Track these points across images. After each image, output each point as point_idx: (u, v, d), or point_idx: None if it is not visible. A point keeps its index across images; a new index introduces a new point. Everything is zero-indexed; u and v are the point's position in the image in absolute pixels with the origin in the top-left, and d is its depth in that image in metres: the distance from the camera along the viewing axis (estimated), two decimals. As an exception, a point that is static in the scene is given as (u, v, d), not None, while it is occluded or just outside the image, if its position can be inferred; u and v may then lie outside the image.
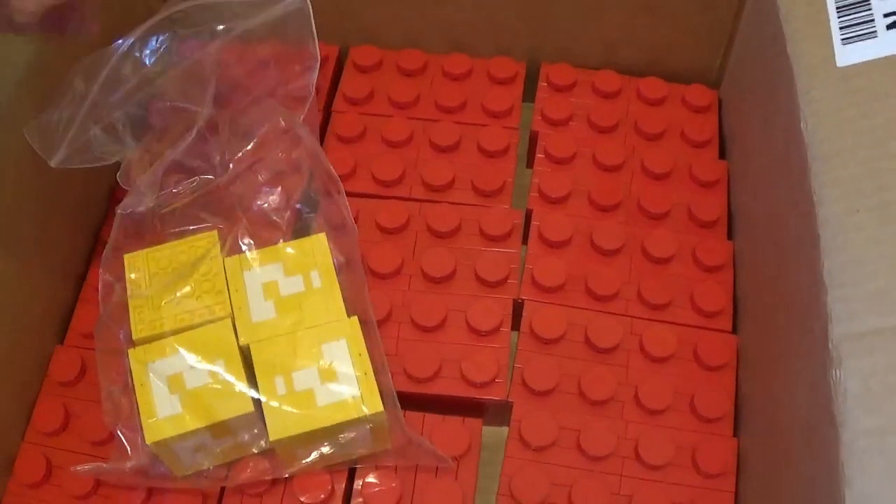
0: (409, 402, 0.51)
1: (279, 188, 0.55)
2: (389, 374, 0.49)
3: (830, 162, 0.44)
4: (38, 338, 0.56)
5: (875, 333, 0.39)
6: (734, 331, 0.56)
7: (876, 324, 0.40)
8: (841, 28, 0.48)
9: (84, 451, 0.52)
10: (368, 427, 0.47)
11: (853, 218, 0.43)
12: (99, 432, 0.52)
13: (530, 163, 0.65)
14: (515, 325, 0.56)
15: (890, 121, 0.45)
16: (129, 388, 0.49)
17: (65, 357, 0.55)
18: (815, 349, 0.42)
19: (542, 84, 0.66)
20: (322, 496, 0.49)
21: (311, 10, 0.52)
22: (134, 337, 0.49)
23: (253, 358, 0.48)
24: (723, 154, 0.64)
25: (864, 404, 0.38)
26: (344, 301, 0.50)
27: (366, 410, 0.46)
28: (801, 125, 0.46)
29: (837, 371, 0.39)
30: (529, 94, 0.66)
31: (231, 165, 0.54)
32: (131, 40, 0.53)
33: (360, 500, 0.50)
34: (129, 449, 0.48)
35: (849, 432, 0.37)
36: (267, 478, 0.50)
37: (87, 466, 0.49)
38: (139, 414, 0.47)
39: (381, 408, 0.46)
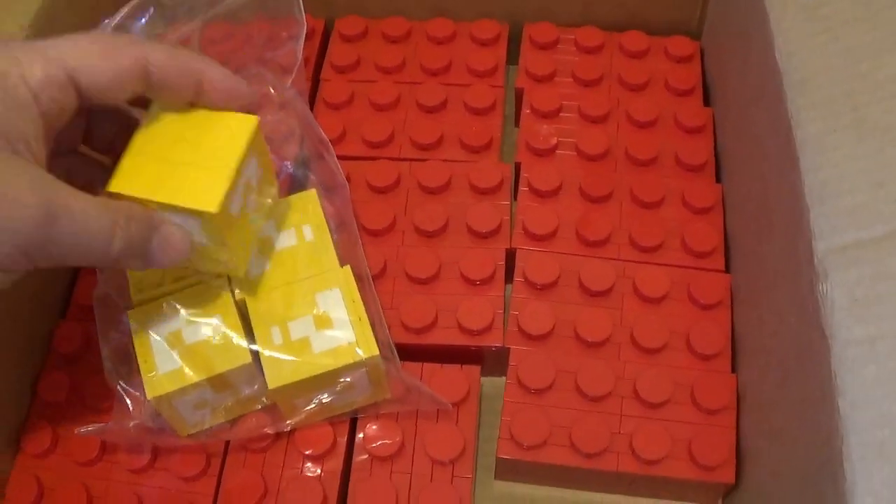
0: (408, 353, 0.52)
1: (271, 153, 0.55)
2: (386, 326, 0.49)
3: (805, 86, 0.45)
4: (40, 313, 0.56)
5: (858, 246, 0.40)
6: (727, 270, 0.56)
7: (858, 236, 0.40)
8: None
9: (89, 419, 0.52)
10: (365, 371, 0.48)
11: (830, 137, 0.43)
12: (102, 399, 0.53)
13: (517, 122, 0.66)
14: (509, 278, 0.56)
15: (859, 43, 0.46)
16: (129, 349, 0.49)
17: (67, 331, 0.56)
18: (801, 268, 0.42)
19: (526, 42, 0.67)
20: (325, 447, 0.50)
21: None
22: (133, 298, 0.49)
23: (249, 311, 0.48)
24: (707, 102, 0.65)
25: (852, 314, 0.39)
26: (338, 257, 0.50)
27: (361, 354, 0.46)
28: (776, 55, 0.47)
29: (824, 285, 0.40)
30: (513, 58, 0.67)
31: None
32: (118, 18, 0.53)
33: (363, 448, 0.50)
34: (130, 406, 0.49)
35: (839, 343, 0.38)
36: (270, 431, 0.50)
37: (90, 428, 0.50)
38: (139, 371, 0.47)
39: (376, 351, 0.47)
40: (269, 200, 0.49)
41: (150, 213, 0.41)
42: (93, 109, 0.43)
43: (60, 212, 0.36)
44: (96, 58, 0.39)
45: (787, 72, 0.46)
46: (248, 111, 0.45)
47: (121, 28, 0.53)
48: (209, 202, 0.42)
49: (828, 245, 0.41)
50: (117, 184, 0.42)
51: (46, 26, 0.53)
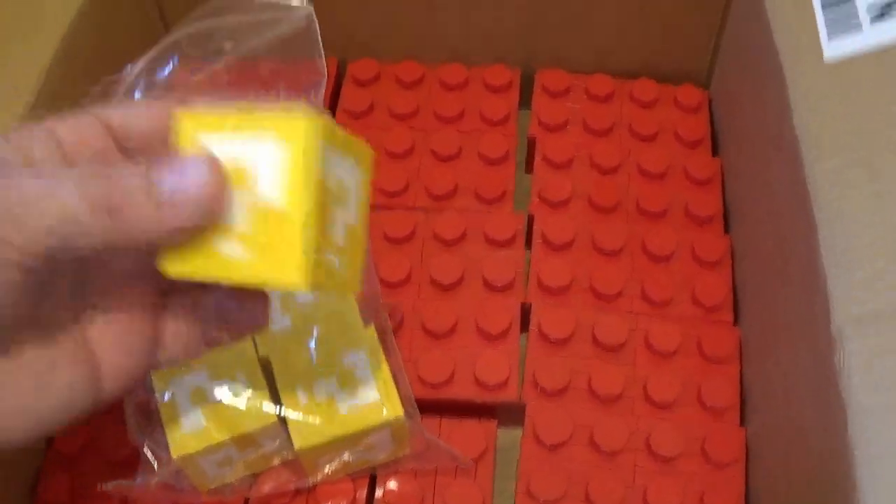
0: (425, 406, 0.52)
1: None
2: (407, 380, 0.50)
3: (823, 153, 0.46)
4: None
5: (876, 315, 0.41)
6: (735, 323, 0.57)
7: (877, 306, 0.41)
8: (827, 23, 0.50)
9: (106, 471, 0.53)
10: (389, 432, 0.48)
11: (849, 205, 0.44)
12: (120, 451, 0.53)
13: (528, 167, 0.66)
14: (524, 327, 0.57)
15: (878, 111, 0.46)
16: (151, 406, 0.50)
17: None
18: (817, 332, 0.43)
19: (538, 90, 0.67)
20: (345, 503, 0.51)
21: (317, 28, 0.53)
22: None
23: (274, 369, 0.49)
24: (715, 151, 0.65)
25: (869, 383, 0.39)
26: (360, 311, 0.51)
27: (387, 415, 0.47)
28: (794, 119, 0.48)
29: (841, 352, 0.40)
30: (524, 101, 0.68)
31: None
32: (140, 65, 0.53)
33: (383, 504, 0.51)
34: (155, 465, 0.49)
35: (855, 410, 0.39)
36: (290, 488, 0.51)
37: (112, 484, 0.50)
38: (164, 429, 0.48)
39: (401, 412, 0.47)
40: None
41: None
42: None
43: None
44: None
45: (805, 134, 0.47)
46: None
47: (145, 74, 0.54)
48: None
49: (846, 313, 0.41)
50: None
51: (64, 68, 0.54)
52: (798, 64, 0.49)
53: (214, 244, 0.32)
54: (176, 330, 0.37)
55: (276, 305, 0.50)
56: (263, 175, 0.32)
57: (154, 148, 0.36)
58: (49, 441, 0.55)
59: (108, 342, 0.35)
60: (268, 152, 0.32)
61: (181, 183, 0.31)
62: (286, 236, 0.32)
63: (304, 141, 0.31)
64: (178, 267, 0.33)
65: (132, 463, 0.53)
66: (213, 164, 0.32)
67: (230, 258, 0.32)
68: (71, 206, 0.30)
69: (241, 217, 0.32)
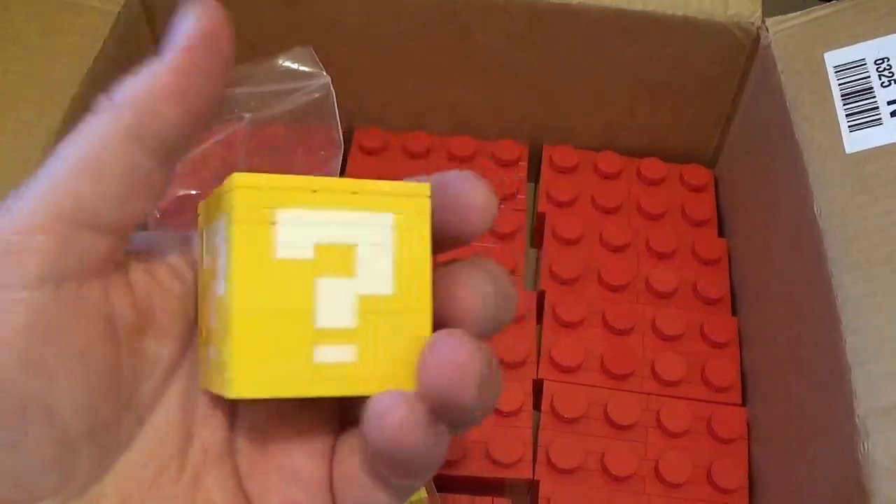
0: (438, 483, 0.52)
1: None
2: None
3: (846, 247, 0.46)
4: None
5: (898, 408, 0.41)
6: (743, 403, 0.58)
7: (899, 400, 0.42)
8: (847, 116, 0.50)
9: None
10: (410, 512, 0.48)
11: (871, 300, 0.45)
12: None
13: (535, 242, 0.67)
14: (536, 404, 0.57)
15: (901, 204, 0.47)
16: None
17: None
18: (838, 424, 0.43)
19: (546, 165, 0.68)
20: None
21: (335, 99, 0.53)
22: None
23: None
24: (721, 231, 0.66)
25: (892, 475, 0.40)
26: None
27: (410, 498, 0.47)
28: (815, 211, 0.48)
29: (865, 444, 0.41)
30: (532, 174, 0.68)
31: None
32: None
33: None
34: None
35: (881, 501, 0.39)
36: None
37: None
38: None
39: (424, 494, 0.47)
40: None
41: None
42: None
43: None
44: None
45: (827, 231, 0.47)
46: None
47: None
48: None
49: (869, 405, 0.42)
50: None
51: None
52: (819, 156, 0.50)
53: (303, 348, 0.26)
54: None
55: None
56: (368, 259, 0.27)
57: None
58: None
59: None
60: (375, 232, 0.27)
61: None
62: (406, 331, 0.27)
63: (421, 218, 0.28)
64: (253, 387, 0.26)
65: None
66: None
67: (330, 365, 0.26)
68: None
69: (341, 311, 0.27)
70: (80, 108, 0.53)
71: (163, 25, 0.62)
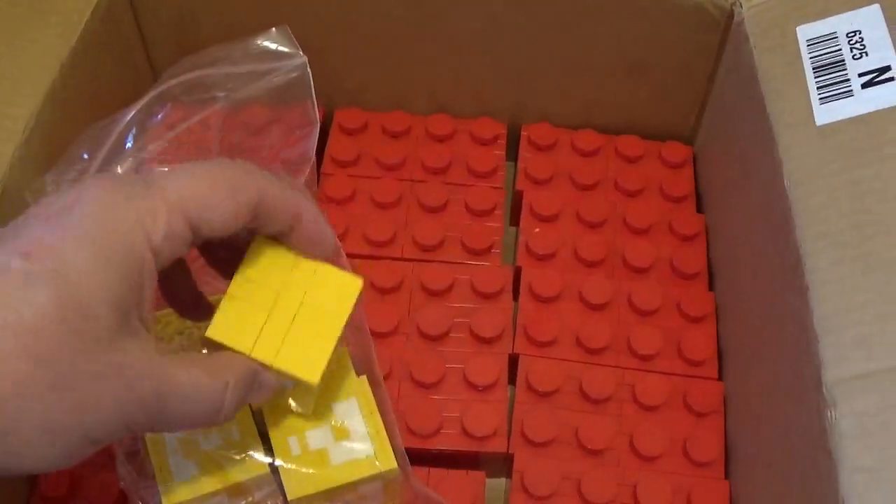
0: (413, 457, 0.51)
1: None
2: (397, 430, 0.50)
3: (814, 216, 0.47)
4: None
5: (865, 376, 0.41)
6: (719, 377, 0.58)
7: (867, 367, 0.42)
8: (818, 88, 0.51)
9: (90, 518, 0.53)
10: (382, 483, 0.48)
11: (838, 268, 0.45)
12: (105, 497, 0.52)
13: (514, 220, 0.67)
14: (511, 379, 0.57)
15: (868, 175, 0.47)
16: (142, 453, 0.49)
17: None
18: (807, 391, 0.44)
19: (524, 143, 0.68)
20: (333, 552, 0.50)
21: (311, 77, 0.54)
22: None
23: (266, 418, 0.49)
24: (699, 207, 0.66)
25: (859, 442, 0.40)
26: (352, 361, 0.51)
27: (380, 467, 0.47)
28: (784, 182, 0.48)
29: (832, 412, 0.41)
30: (509, 154, 0.69)
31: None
32: (132, 112, 0.53)
33: (371, 555, 0.51)
34: (146, 514, 0.49)
35: (846, 469, 0.40)
36: (279, 535, 0.50)
37: None
38: (155, 477, 0.47)
39: (394, 464, 0.47)
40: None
41: (252, 370, 0.41)
42: None
43: (170, 393, 0.36)
44: (217, 199, 0.38)
45: (796, 200, 0.47)
46: (327, 257, 0.45)
47: (138, 120, 0.54)
48: (311, 372, 0.43)
49: (836, 374, 0.42)
50: (217, 331, 0.42)
51: (52, 114, 0.53)
52: (789, 129, 0.50)
53: None
54: None
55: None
56: None
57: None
58: (33, 484, 0.54)
59: None
60: None
61: None
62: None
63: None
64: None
65: (117, 509, 0.53)
66: None
67: None
68: None
69: None
70: (60, 89, 0.54)
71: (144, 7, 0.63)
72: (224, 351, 0.41)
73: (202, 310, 0.46)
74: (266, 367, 0.42)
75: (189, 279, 0.46)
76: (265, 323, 0.43)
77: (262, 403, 0.48)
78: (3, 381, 0.31)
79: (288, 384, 0.45)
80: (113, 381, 0.34)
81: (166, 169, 0.39)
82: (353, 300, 0.44)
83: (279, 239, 0.43)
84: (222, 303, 0.43)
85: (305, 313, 0.43)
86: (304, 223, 0.42)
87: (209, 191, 0.38)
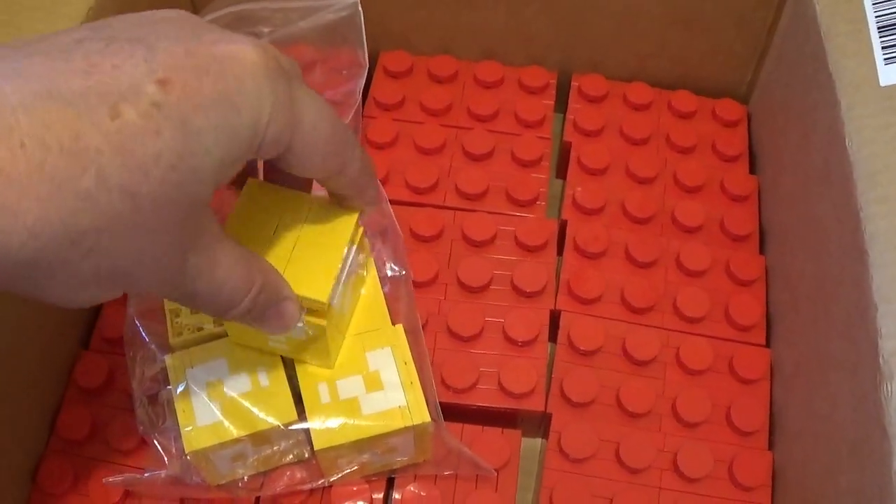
0: (446, 411, 0.50)
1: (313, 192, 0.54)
2: (433, 383, 0.49)
3: (876, 179, 0.45)
4: (62, 342, 0.54)
5: (925, 349, 0.40)
6: (767, 344, 0.56)
7: (926, 340, 0.40)
8: (883, 48, 0.49)
9: (111, 460, 0.52)
10: (413, 437, 0.47)
11: (901, 236, 0.43)
12: (127, 441, 0.51)
13: (560, 173, 0.65)
14: (552, 336, 0.56)
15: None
16: (162, 396, 0.48)
17: (90, 363, 0.54)
18: (862, 363, 0.42)
19: (574, 94, 0.66)
20: (360, 506, 0.49)
21: (362, 18, 0.52)
22: (171, 342, 0.48)
23: (296, 365, 0.47)
24: (752, 168, 0.64)
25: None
26: (389, 309, 0.49)
27: (413, 420, 0.45)
28: (846, 143, 0.47)
29: (889, 385, 0.39)
30: (559, 104, 0.67)
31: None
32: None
33: (400, 509, 0.50)
34: (165, 458, 0.47)
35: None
36: (304, 487, 0.49)
37: (119, 478, 0.48)
38: (176, 422, 0.46)
39: (427, 418, 0.46)
40: (363, 291, 0.49)
41: (280, 285, 0.40)
42: None
43: (205, 275, 0.35)
44: (320, 144, 0.37)
45: (858, 162, 0.46)
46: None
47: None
48: (320, 292, 0.41)
49: (894, 345, 0.40)
50: None
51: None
52: (852, 88, 0.48)
53: None
54: None
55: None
56: None
57: None
58: (52, 427, 0.53)
59: None
60: None
61: None
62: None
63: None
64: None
65: (137, 453, 0.51)
66: None
67: None
68: None
69: None
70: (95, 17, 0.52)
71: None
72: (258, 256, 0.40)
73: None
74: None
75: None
76: (266, 254, 0.42)
77: (291, 353, 0.47)
78: (93, 211, 0.29)
79: (299, 333, 0.44)
80: (176, 242, 0.33)
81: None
82: (353, 225, 0.43)
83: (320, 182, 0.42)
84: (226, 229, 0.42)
85: (305, 241, 0.43)
86: (363, 197, 0.43)
87: (322, 138, 0.37)
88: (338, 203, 0.43)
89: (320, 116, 0.36)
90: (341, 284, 0.44)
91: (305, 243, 0.43)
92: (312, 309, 0.42)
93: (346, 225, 0.43)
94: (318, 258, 0.42)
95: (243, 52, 0.33)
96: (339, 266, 0.42)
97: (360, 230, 0.45)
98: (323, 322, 0.43)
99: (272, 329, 0.41)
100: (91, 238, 0.29)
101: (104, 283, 0.32)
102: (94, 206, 0.29)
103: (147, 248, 0.31)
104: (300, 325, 0.42)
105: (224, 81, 0.32)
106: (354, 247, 0.45)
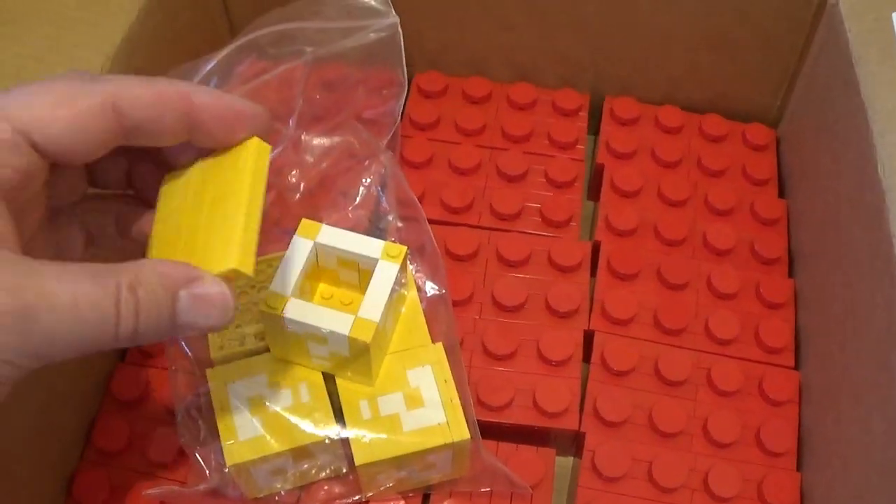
0: (482, 429, 0.51)
1: (349, 211, 0.55)
2: (471, 401, 0.49)
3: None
4: (99, 355, 0.55)
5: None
6: (796, 367, 0.57)
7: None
8: (916, 77, 0.49)
9: (147, 472, 0.52)
10: (451, 454, 0.47)
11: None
12: (163, 453, 0.52)
13: (592, 194, 0.66)
14: (585, 356, 0.56)
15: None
16: (203, 409, 0.49)
17: (126, 375, 0.55)
18: (894, 388, 0.42)
19: (606, 117, 0.67)
20: (396, 521, 0.50)
21: (401, 38, 0.53)
22: (212, 356, 0.48)
23: (337, 381, 0.48)
24: (781, 192, 0.65)
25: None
26: (428, 327, 0.50)
27: (453, 437, 0.46)
28: (878, 169, 0.47)
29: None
30: (591, 127, 0.67)
31: (302, 185, 0.54)
32: (214, 61, 0.53)
33: (436, 525, 0.50)
34: (206, 472, 0.48)
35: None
36: (341, 502, 0.50)
37: (156, 490, 0.49)
38: (217, 435, 0.47)
39: (467, 435, 0.46)
40: (403, 309, 0.50)
41: (168, 273, 0.35)
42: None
43: (40, 306, 0.31)
44: (49, 108, 0.34)
45: (891, 189, 0.46)
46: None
47: (219, 68, 0.53)
48: (226, 259, 0.36)
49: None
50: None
51: (127, 59, 0.52)
52: (885, 116, 0.49)
53: None
54: None
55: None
56: None
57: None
58: (88, 438, 0.54)
59: None
60: None
61: None
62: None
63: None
64: None
65: (173, 465, 0.52)
66: None
67: None
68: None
69: None
70: (137, 35, 0.53)
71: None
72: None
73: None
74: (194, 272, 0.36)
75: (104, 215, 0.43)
76: (180, 229, 0.38)
77: (332, 369, 0.48)
78: None
79: (342, 349, 0.44)
80: None
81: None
82: (251, 160, 0.38)
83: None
84: (154, 225, 0.40)
85: (212, 202, 0.38)
86: (201, 109, 0.38)
87: (40, 101, 0.34)
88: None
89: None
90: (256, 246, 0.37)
91: (212, 205, 0.38)
92: (239, 283, 0.40)
93: (245, 166, 0.38)
94: (224, 218, 0.37)
95: None
96: (244, 220, 0.36)
97: (403, 249, 0.46)
98: (367, 339, 0.43)
99: (205, 324, 0.36)
100: None
101: None
102: None
103: None
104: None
105: None
106: (263, 189, 0.38)
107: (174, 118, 0.37)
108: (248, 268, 0.36)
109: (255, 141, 0.39)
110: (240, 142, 0.39)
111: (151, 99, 0.36)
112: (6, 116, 0.34)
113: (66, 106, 0.35)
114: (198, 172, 0.40)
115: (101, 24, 0.52)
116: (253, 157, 0.38)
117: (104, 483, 0.52)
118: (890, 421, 0.43)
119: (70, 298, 0.31)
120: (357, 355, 0.45)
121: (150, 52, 0.55)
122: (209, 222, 0.37)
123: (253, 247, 0.36)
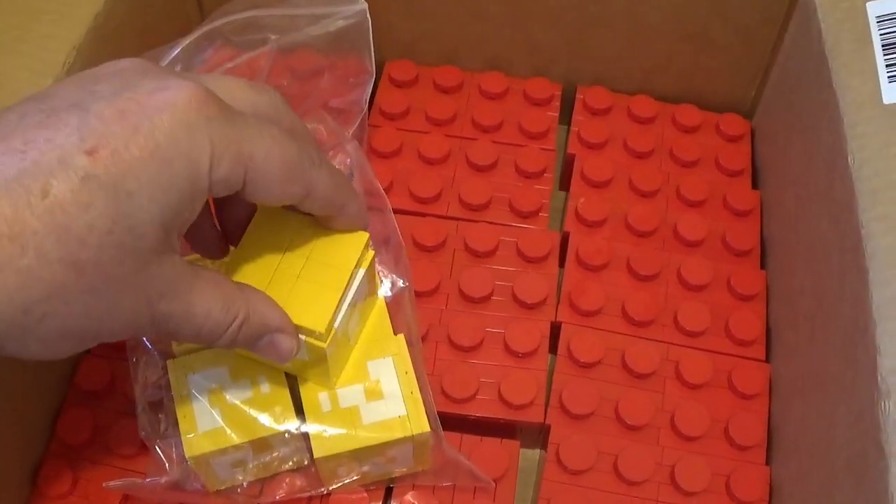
0: (446, 422, 0.50)
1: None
2: (431, 394, 0.49)
3: (877, 197, 0.45)
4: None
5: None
6: (766, 359, 0.56)
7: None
8: (887, 66, 0.49)
9: (111, 464, 0.52)
10: (412, 447, 0.47)
11: (901, 253, 0.43)
12: (127, 445, 0.51)
13: (563, 185, 0.66)
14: (552, 348, 0.56)
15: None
16: (164, 402, 0.48)
17: (91, 366, 0.54)
18: (860, 381, 0.42)
19: (578, 107, 0.66)
20: (358, 515, 0.49)
21: (370, 25, 0.52)
22: (174, 348, 0.48)
23: (297, 373, 0.47)
24: (755, 184, 0.64)
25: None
26: (390, 319, 0.49)
27: (412, 430, 0.46)
28: (848, 160, 0.47)
29: (886, 403, 0.39)
30: (563, 116, 0.67)
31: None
32: (178, 49, 0.52)
33: (398, 519, 0.50)
34: (166, 464, 0.48)
35: (897, 463, 0.38)
36: (302, 495, 0.49)
37: (119, 482, 0.48)
38: (177, 428, 0.46)
39: (427, 428, 0.46)
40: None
41: (268, 316, 0.41)
42: None
43: (181, 315, 0.37)
44: (276, 180, 0.38)
45: (860, 179, 0.46)
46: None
47: (182, 57, 0.52)
48: (318, 322, 0.42)
49: (893, 363, 0.40)
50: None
51: (94, 47, 0.52)
52: (856, 106, 0.48)
53: None
54: None
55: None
56: None
57: None
58: (53, 429, 0.53)
59: None
60: None
61: None
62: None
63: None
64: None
65: (137, 458, 0.52)
66: None
67: None
68: None
69: None
70: (103, 23, 0.52)
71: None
72: (248, 286, 0.42)
73: (221, 248, 0.46)
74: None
75: (210, 216, 0.45)
76: (271, 279, 0.43)
77: (294, 371, 0.47)
78: (39, 284, 0.31)
79: (302, 354, 0.44)
80: (137, 296, 0.35)
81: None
82: (359, 250, 0.44)
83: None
84: (228, 263, 0.44)
85: (311, 268, 0.44)
86: (344, 214, 0.43)
87: (276, 168, 0.37)
88: (324, 225, 0.44)
89: (273, 148, 0.37)
90: (346, 307, 0.44)
91: (311, 270, 0.44)
92: (312, 338, 0.43)
93: (353, 250, 0.44)
94: (321, 286, 0.43)
95: (176, 101, 0.34)
96: (341, 294, 0.43)
97: (371, 254, 0.46)
98: (323, 345, 0.43)
99: (268, 358, 0.43)
100: (42, 306, 0.32)
101: (71, 340, 0.34)
102: (37, 279, 0.31)
103: (103, 305, 0.33)
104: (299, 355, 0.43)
105: (154, 138, 0.33)
106: (362, 271, 0.45)
107: (295, 200, 0.40)
108: (325, 338, 0.43)
109: (367, 237, 0.45)
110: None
111: (329, 197, 0.42)
112: (249, 162, 0.36)
113: (287, 183, 0.39)
114: (301, 223, 0.45)
115: (69, 15, 0.51)
116: (362, 248, 0.45)
117: (68, 475, 0.51)
118: (855, 414, 0.42)
119: (203, 318, 0.38)
120: (316, 360, 0.45)
121: (118, 42, 0.54)
122: (308, 279, 0.43)
123: (334, 321, 0.43)
